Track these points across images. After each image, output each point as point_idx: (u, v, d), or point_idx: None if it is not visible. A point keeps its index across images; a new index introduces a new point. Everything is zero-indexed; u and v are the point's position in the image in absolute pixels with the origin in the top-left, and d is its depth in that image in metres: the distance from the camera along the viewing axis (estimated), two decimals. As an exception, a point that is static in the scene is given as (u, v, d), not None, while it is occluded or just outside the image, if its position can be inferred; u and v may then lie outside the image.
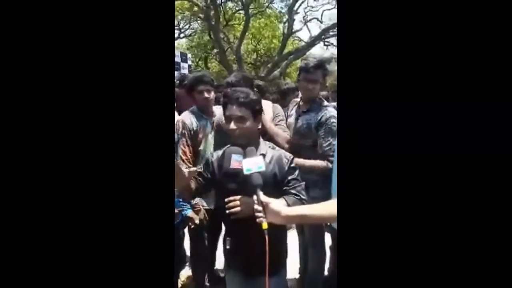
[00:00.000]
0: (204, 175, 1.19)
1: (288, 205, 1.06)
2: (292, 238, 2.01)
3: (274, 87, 3.31)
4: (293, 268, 1.95)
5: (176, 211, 1.53)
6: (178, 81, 2.61)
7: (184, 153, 1.59)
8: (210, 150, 1.66)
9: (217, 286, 1.95)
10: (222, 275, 2.00)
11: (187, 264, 1.84)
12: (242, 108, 1.10)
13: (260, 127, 1.17)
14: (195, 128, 1.64)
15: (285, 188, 1.12)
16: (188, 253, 1.85)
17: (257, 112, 1.13)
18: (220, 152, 1.18)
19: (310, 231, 1.72)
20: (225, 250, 1.21)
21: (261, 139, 1.20)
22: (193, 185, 1.17)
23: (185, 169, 1.10)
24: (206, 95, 1.66)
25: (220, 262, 2.01)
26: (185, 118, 1.66)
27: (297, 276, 2.01)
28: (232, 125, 1.10)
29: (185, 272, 1.88)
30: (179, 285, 1.83)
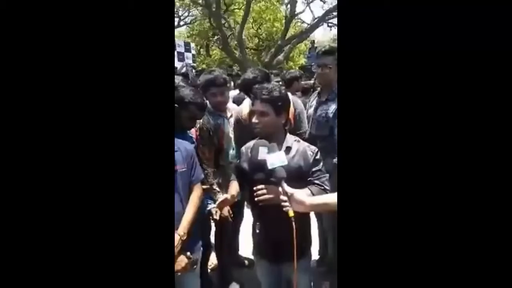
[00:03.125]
0: (239, 168, 1.27)
1: (313, 195, 1.13)
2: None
3: (278, 76, 3.28)
4: (313, 250, 2.04)
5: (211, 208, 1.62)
6: (184, 72, 2.60)
7: (203, 153, 1.62)
8: (231, 145, 1.71)
9: (241, 270, 2.07)
10: (246, 261, 2.12)
11: (213, 251, 1.95)
12: (264, 104, 1.17)
13: (284, 121, 1.22)
14: (212, 128, 1.66)
15: (310, 179, 1.19)
16: (213, 241, 1.96)
17: (280, 108, 1.19)
18: (250, 144, 1.26)
19: (329, 218, 1.80)
20: (254, 234, 1.29)
21: (287, 133, 1.26)
22: (235, 189, 1.27)
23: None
24: (219, 98, 1.67)
25: (243, 248, 2.13)
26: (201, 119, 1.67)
27: (317, 257, 2.11)
28: (255, 119, 1.18)
29: (213, 258, 1.99)
30: (208, 270, 1.95)
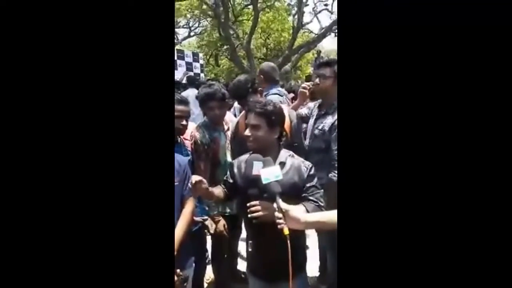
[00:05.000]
0: (228, 182, 1.24)
1: (307, 211, 1.09)
2: (311, 237, 2.04)
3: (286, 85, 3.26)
4: (313, 267, 1.98)
5: (198, 219, 1.59)
6: (186, 81, 2.63)
7: (198, 167, 1.61)
8: (228, 159, 1.68)
9: (238, 285, 2.01)
10: (243, 275, 2.07)
11: (210, 264, 1.91)
12: (257, 117, 1.15)
13: (277, 136, 1.19)
14: (208, 142, 1.65)
15: (304, 195, 1.15)
16: (209, 255, 1.92)
17: (273, 122, 1.16)
18: (243, 159, 1.22)
19: (327, 234, 1.74)
20: (247, 253, 1.25)
21: (282, 148, 1.22)
22: (218, 192, 1.21)
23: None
24: (217, 112, 1.66)
25: (241, 262, 2.08)
26: (196, 133, 1.66)
27: (317, 274, 2.04)
28: (247, 132, 1.16)
29: (210, 273, 1.95)
30: (205, 284, 1.90)
